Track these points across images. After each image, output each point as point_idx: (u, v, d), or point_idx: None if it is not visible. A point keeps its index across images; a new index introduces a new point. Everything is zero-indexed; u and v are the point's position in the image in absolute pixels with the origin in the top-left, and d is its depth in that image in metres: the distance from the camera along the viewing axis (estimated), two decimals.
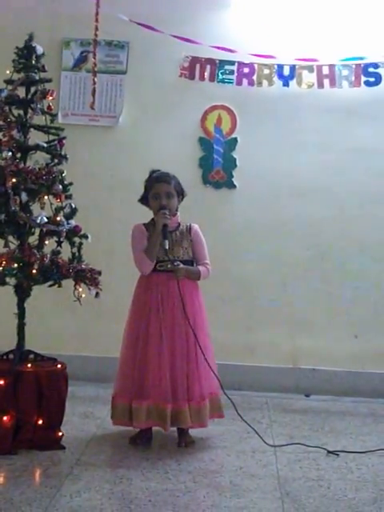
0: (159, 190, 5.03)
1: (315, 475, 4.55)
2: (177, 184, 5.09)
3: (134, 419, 4.92)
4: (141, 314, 5.01)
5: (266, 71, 6.54)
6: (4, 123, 4.85)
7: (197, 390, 4.97)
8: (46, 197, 4.84)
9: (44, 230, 4.85)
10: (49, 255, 4.84)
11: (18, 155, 4.89)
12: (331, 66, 6.48)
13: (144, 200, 5.14)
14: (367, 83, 6.49)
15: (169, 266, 4.97)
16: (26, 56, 4.97)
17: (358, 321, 6.61)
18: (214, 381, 5.06)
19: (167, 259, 4.98)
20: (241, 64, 6.55)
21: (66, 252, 4.94)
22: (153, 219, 5.09)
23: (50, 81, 5.02)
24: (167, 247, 4.95)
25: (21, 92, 4.97)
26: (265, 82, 6.55)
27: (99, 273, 4.93)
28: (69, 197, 4.96)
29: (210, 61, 6.56)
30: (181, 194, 5.13)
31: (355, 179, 6.59)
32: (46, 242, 4.91)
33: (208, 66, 6.57)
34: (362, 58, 6.48)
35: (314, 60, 6.49)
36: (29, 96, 4.97)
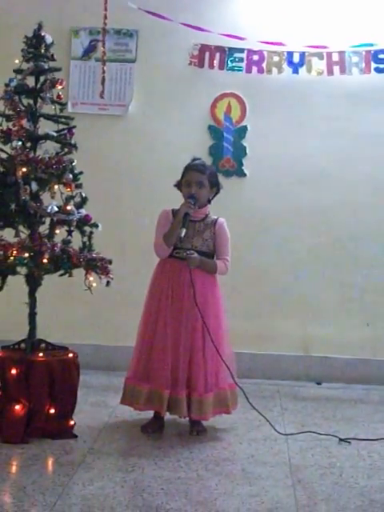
0: (191, 178, 5.03)
1: (327, 463, 4.56)
2: (211, 175, 5.09)
3: (134, 401, 4.99)
4: (153, 300, 5.05)
5: (276, 58, 6.51)
6: (14, 113, 4.85)
7: (201, 382, 4.96)
8: (56, 186, 4.84)
9: (54, 219, 4.86)
10: (59, 244, 4.83)
11: (28, 145, 4.89)
12: (341, 53, 6.45)
13: (178, 186, 5.14)
14: (377, 70, 6.45)
15: (184, 254, 4.97)
16: (35, 45, 4.96)
17: (370, 309, 6.60)
18: (225, 374, 5.05)
19: (184, 247, 4.98)
20: (250, 51, 6.52)
21: (76, 241, 4.94)
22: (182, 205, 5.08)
23: (59, 70, 5.01)
24: (182, 235, 4.94)
25: (30, 81, 4.97)
26: (274, 70, 6.52)
27: (110, 262, 4.93)
28: (79, 186, 4.96)
29: (220, 48, 6.54)
30: (215, 185, 5.12)
31: (366, 166, 6.57)
32: (57, 232, 4.90)
33: (217, 54, 6.55)
34: (371, 45, 6.44)
35: (324, 47, 6.46)
36: (38, 85, 4.97)
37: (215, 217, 5.15)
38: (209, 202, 5.15)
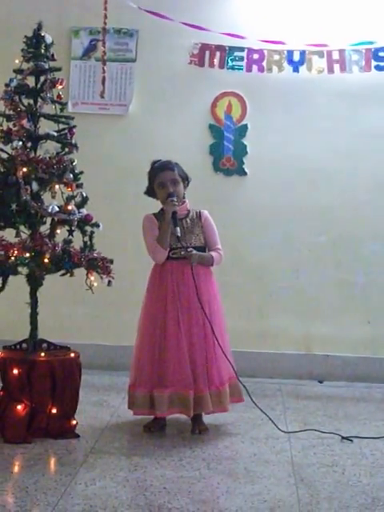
0: (164, 178, 5.02)
1: (329, 461, 4.55)
2: (180, 170, 5.08)
3: (157, 407, 4.91)
4: (157, 303, 5.01)
5: (276, 57, 6.52)
6: (14, 113, 4.85)
7: (216, 375, 4.99)
8: (56, 186, 4.84)
9: (55, 219, 4.86)
10: (60, 244, 4.84)
11: (29, 145, 4.90)
12: (341, 51, 6.45)
13: (150, 192, 5.13)
14: (378, 68, 6.46)
15: (182, 253, 4.97)
16: (35, 45, 4.96)
17: (371, 306, 6.60)
18: (230, 366, 5.07)
19: (180, 246, 4.97)
20: (250, 50, 6.52)
21: (77, 241, 4.94)
22: (162, 209, 5.08)
23: (59, 70, 5.01)
24: (179, 234, 4.93)
25: (30, 81, 4.97)
26: (275, 68, 6.53)
27: (111, 261, 4.93)
28: (80, 186, 4.96)
29: (220, 47, 6.54)
30: (186, 179, 5.12)
31: (367, 164, 6.57)
32: (58, 231, 4.90)
33: (218, 53, 6.55)
34: (372, 43, 6.44)
35: (324, 45, 6.46)
36: (38, 85, 4.97)
37: (197, 210, 5.15)
38: (184, 196, 5.14)
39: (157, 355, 4.95)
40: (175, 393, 4.91)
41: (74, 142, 4.97)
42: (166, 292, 4.99)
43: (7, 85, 4.90)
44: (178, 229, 4.94)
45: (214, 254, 5.09)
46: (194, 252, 4.97)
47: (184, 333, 4.93)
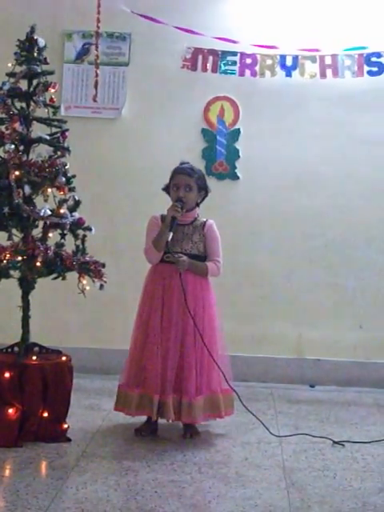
0: (179, 181, 5.03)
1: (320, 465, 4.56)
2: (199, 178, 5.09)
3: (126, 406, 4.98)
4: (146, 304, 5.04)
5: (269, 62, 6.52)
6: (6, 116, 4.85)
7: (191, 385, 4.93)
8: (49, 189, 4.84)
9: (48, 222, 4.85)
10: (53, 248, 4.84)
11: (21, 148, 4.89)
12: (334, 56, 6.46)
13: (166, 189, 5.15)
14: (370, 73, 6.47)
15: (172, 258, 4.96)
16: (27, 48, 4.96)
17: (363, 311, 6.61)
18: (219, 378, 5.04)
19: (173, 251, 4.97)
20: (243, 55, 6.53)
21: (69, 244, 4.94)
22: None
23: (52, 73, 5.01)
24: (169, 239, 4.94)
25: (23, 85, 4.97)
26: (267, 73, 6.53)
27: (103, 265, 4.93)
28: (72, 189, 4.96)
29: (213, 52, 6.54)
30: (204, 189, 5.12)
31: (359, 169, 6.58)
32: (50, 235, 4.90)
33: (210, 57, 6.55)
34: (364, 48, 6.45)
35: (317, 50, 6.47)
36: (31, 89, 4.97)
37: (204, 219, 5.15)
38: (197, 205, 5.14)
39: (136, 356, 5.00)
40: (144, 394, 4.92)
41: (66, 145, 4.97)
42: (153, 293, 5.01)
43: (0, 88, 4.90)
44: (171, 234, 4.94)
45: (209, 264, 5.07)
46: (184, 258, 4.97)
47: (163, 337, 4.93)
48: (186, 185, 5.03)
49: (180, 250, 4.98)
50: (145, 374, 4.94)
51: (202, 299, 5.06)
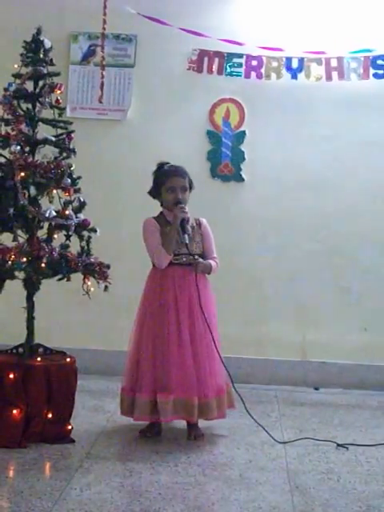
0: (175, 183, 5.01)
1: (325, 468, 4.55)
2: (189, 179, 5.09)
3: (161, 413, 4.89)
4: (157, 309, 4.99)
5: (275, 64, 6.53)
6: (12, 117, 4.85)
7: (217, 382, 5.00)
8: (54, 191, 4.85)
9: (53, 223, 4.86)
10: (57, 249, 4.84)
11: (27, 149, 4.90)
12: (340, 59, 6.46)
13: (155, 193, 5.11)
14: (376, 75, 6.47)
15: (185, 259, 4.97)
16: (34, 50, 4.97)
17: (367, 314, 6.60)
18: (225, 372, 5.08)
19: (184, 253, 4.97)
20: (249, 57, 6.53)
21: (74, 246, 4.94)
22: (162, 212, 5.08)
23: (58, 74, 5.02)
24: (188, 242, 4.93)
25: (29, 86, 4.98)
26: (273, 75, 6.53)
27: (108, 266, 4.94)
28: (77, 190, 4.97)
29: (218, 54, 6.55)
30: (191, 187, 5.12)
31: (364, 172, 6.58)
32: (55, 236, 4.91)
33: (216, 59, 6.56)
34: (370, 50, 6.45)
35: (323, 52, 6.47)
36: (37, 90, 4.97)
37: (196, 218, 5.15)
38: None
39: (159, 360, 4.93)
40: (179, 398, 4.90)
41: (72, 146, 4.98)
42: (166, 298, 4.97)
43: (6, 89, 4.92)
44: (187, 236, 4.94)
45: (212, 263, 5.10)
46: (201, 261, 4.99)
47: (186, 338, 4.93)
48: (182, 186, 5.02)
49: (188, 251, 4.97)
50: (176, 378, 4.89)
51: (209, 299, 5.09)
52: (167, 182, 5.02)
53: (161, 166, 5.11)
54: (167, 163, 5.12)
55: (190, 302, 4.97)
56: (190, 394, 4.89)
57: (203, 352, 4.95)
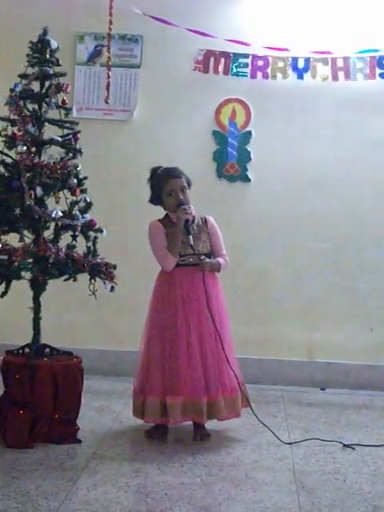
0: (174, 185, 4.99)
1: (331, 469, 4.55)
2: (186, 176, 5.07)
3: (170, 415, 4.88)
4: (166, 310, 4.99)
5: (281, 64, 6.51)
6: (19, 117, 4.86)
7: (228, 381, 5.00)
8: (60, 191, 4.85)
9: (59, 224, 4.87)
10: (64, 249, 4.85)
11: (33, 149, 4.90)
12: (346, 59, 6.45)
13: (155, 200, 5.09)
14: (382, 75, 6.43)
15: (191, 259, 4.97)
16: (40, 50, 4.98)
17: (374, 314, 6.59)
18: (239, 372, 5.10)
19: (190, 253, 4.96)
20: (255, 57, 6.52)
21: (81, 246, 4.95)
22: (167, 215, 5.07)
23: (64, 75, 5.04)
24: (192, 242, 4.92)
25: (35, 86, 4.99)
26: (279, 75, 6.52)
27: (114, 267, 4.94)
28: (84, 191, 4.98)
29: (224, 54, 6.54)
30: (189, 184, 5.10)
31: (370, 172, 6.56)
32: (61, 237, 4.92)
33: (222, 60, 6.55)
34: (376, 50, 6.43)
35: (329, 52, 6.45)
36: (43, 90, 4.99)
37: (202, 216, 5.14)
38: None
39: (167, 362, 4.93)
40: (188, 400, 4.90)
41: (78, 147, 4.99)
42: (175, 300, 4.97)
43: (12, 90, 4.93)
44: (191, 237, 4.93)
45: (221, 260, 5.09)
46: (206, 260, 4.98)
47: (195, 339, 4.93)
48: (181, 187, 5.00)
49: (193, 252, 4.97)
50: (185, 379, 4.89)
51: (219, 299, 5.10)
52: (165, 186, 5.00)
53: (154, 171, 5.10)
54: (159, 167, 5.10)
55: (198, 302, 4.96)
56: (199, 394, 4.89)
57: (212, 351, 4.95)
